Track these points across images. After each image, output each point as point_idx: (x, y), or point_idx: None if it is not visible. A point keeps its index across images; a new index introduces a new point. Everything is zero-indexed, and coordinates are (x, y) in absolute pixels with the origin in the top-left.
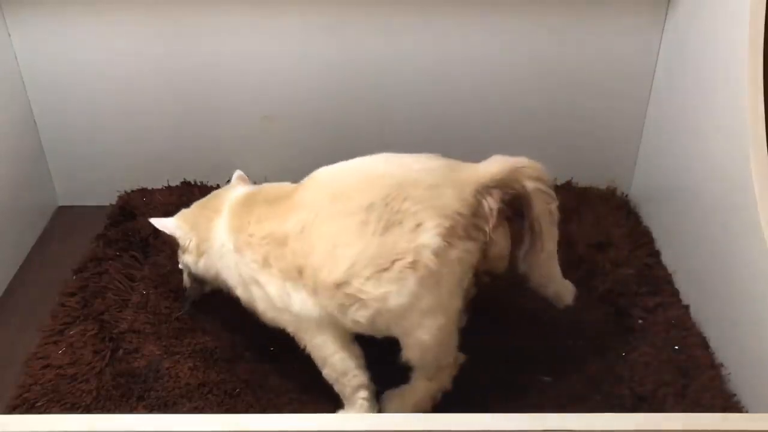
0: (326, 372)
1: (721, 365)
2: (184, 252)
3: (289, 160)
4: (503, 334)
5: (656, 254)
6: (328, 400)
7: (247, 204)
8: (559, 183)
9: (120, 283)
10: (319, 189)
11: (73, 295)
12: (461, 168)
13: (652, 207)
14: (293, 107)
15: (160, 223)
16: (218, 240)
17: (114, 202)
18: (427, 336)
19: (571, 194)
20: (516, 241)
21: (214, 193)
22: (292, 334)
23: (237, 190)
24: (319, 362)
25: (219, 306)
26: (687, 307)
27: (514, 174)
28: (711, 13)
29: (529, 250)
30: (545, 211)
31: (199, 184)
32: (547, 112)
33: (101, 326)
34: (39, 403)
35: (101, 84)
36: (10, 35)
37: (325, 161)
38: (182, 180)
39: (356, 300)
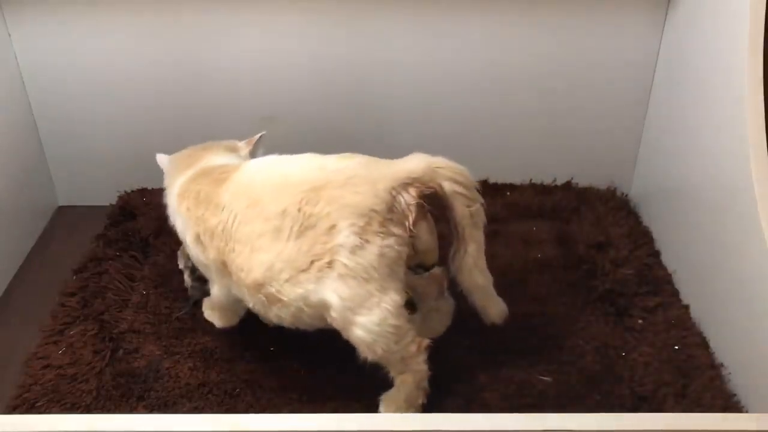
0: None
1: (721, 365)
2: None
3: None
4: (503, 334)
5: (656, 254)
6: (328, 400)
7: (202, 176)
8: (559, 183)
9: (120, 283)
10: (240, 192)
11: (73, 295)
12: (377, 165)
13: (652, 207)
14: (293, 108)
15: (160, 158)
16: (172, 196)
17: (114, 202)
18: (364, 333)
19: (571, 194)
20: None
21: (206, 145)
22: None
23: (217, 156)
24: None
25: None
26: (687, 307)
27: (430, 173)
28: (711, 13)
29: (455, 252)
30: (465, 214)
31: None
32: (547, 112)
33: (101, 326)
34: (39, 403)
35: (101, 84)
36: (10, 35)
37: None
38: None
39: (277, 300)
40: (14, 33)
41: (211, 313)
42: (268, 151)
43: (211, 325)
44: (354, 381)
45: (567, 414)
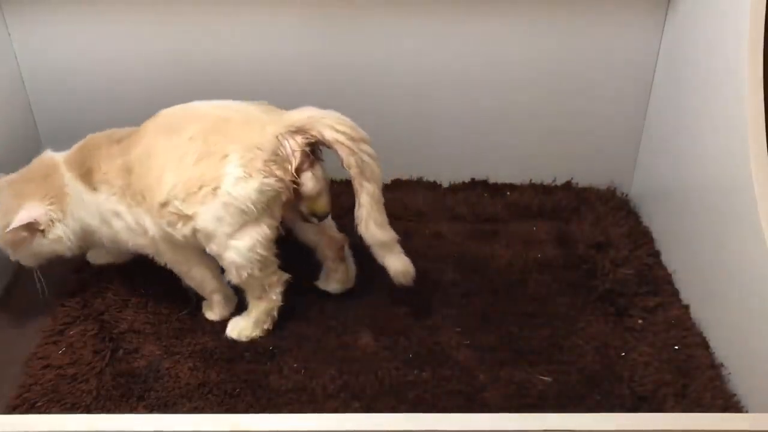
0: (186, 281)
1: (721, 365)
2: (46, 237)
3: None
4: (503, 333)
5: (656, 254)
6: (328, 400)
7: (89, 150)
8: (559, 183)
9: (120, 283)
10: (158, 125)
11: (73, 295)
12: (274, 113)
13: (652, 207)
14: (292, 107)
15: (17, 221)
16: (74, 193)
17: None
18: (235, 256)
19: (571, 194)
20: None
21: (20, 174)
22: (152, 256)
23: (51, 155)
24: (180, 275)
25: None
26: (687, 307)
27: (312, 122)
28: (711, 13)
29: (357, 208)
30: (351, 163)
31: None
32: (547, 112)
33: (101, 326)
34: (39, 403)
35: (101, 84)
36: (10, 35)
37: (323, 160)
38: None
39: (179, 218)
40: (14, 33)
41: (210, 312)
42: None
43: (212, 325)
44: (354, 381)
45: (567, 414)
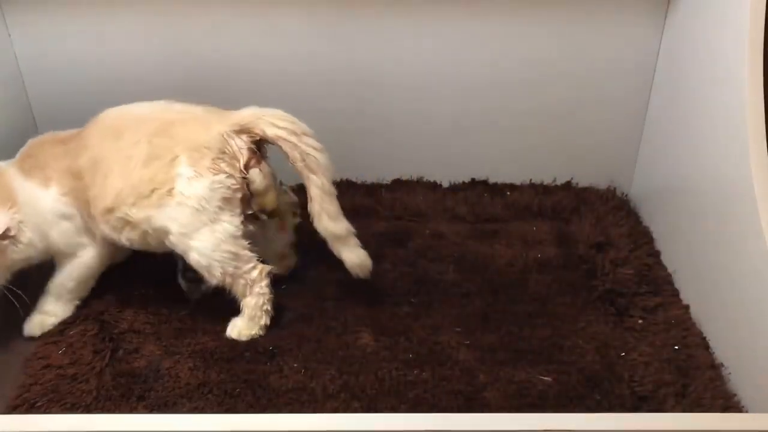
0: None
1: (721, 365)
2: (20, 242)
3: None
4: (503, 333)
5: (656, 254)
6: (328, 400)
7: (34, 153)
8: (559, 183)
9: (120, 283)
10: (103, 130)
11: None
12: (218, 113)
13: (652, 207)
14: (293, 107)
15: None
16: (26, 196)
17: None
18: (199, 258)
19: (571, 194)
20: None
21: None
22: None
23: None
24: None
25: (219, 306)
26: (687, 307)
27: (255, 120)
28: (711, 13)
29: (309, 203)
30: (295, 157)
31: None
32: (547, 113)
33: (101, 326)
34: (39, 403)
35: (101, 84)
36: (10, 35)
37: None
38: None
39: (126, 223)
40: (14, 33)
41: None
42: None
43: (212, 325)
44: (354, 381)
45: (567, 414)
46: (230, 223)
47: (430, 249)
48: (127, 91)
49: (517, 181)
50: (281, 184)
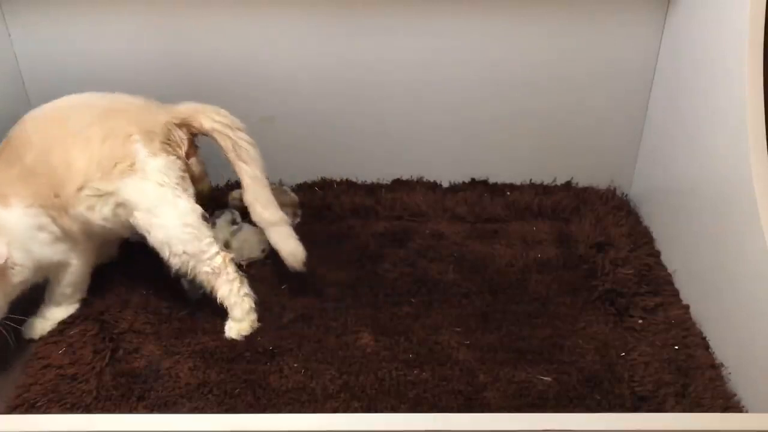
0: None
1: (721, 365)
2: (16, 264)
3: (289, 160)
4: (503, 333)
5: (656, 254)
6: (328, 400)
7: None
8: (559, 183)
9: (120, 283)
10: (41, 124)
11: None
12: (159, 106)
13: (652, 207)
14: (293, 107)
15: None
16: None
17: None
18: (163, 233)
19: (571, 194)
20: None
21: None
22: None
23: None
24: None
25: (219, 306)
26: (687, 307)
27: (194, 113)
28: (711, 13)
29: (243, 192)
30: (228, 147)
31: None
32: (547, 113)
33: (101, 326)
34: (39, 403)
35: (101, 84)
36: (10, 35)
37: (324, 161)
38: None
39: (98, 198)
40: (14, 33)
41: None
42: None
43: (212, 325)
44: (354, 381)
45: (567, 414)
46: (188, 202)
47: (430, 249)
48: (127, 90)
49: (517, 181)
50: (281, 184)
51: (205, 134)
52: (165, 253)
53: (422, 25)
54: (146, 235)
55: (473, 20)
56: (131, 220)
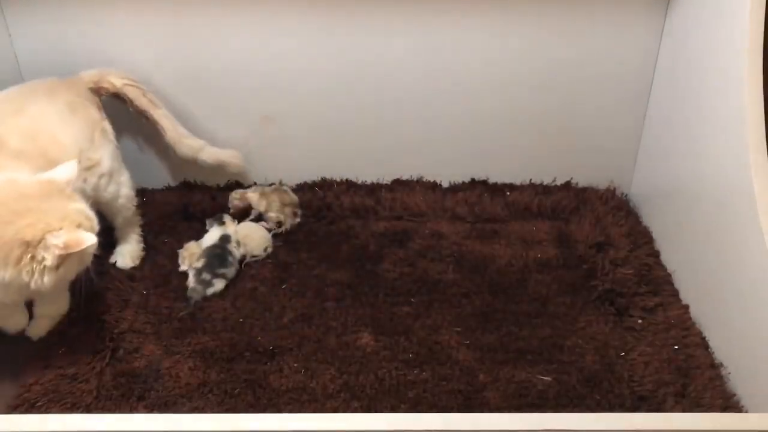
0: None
1: (721, 365)
2: None
3: (289, 160)
4: (503, 333)
5: (656, 254)
6: (328, 400)
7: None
8: (559, 183)
9: (120, 283)
10: None
11: (73, 295)
12: (63, 80)
13: (652, 207)
14: (293, 107)
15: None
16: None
17: None
18: (128, 191)
19: (571, 194)
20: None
21: None
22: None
23: None
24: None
25: (219, 306)
26: (687, 307)
27: (103, 75)
28: (711, 13)
29: (164, 135)
30: (140, 97)
31: (199, 184)
32: (547, 112)
33: (101, 326)
34: (39, 403)
35: None
36: (10, 35)
37: (324, 161)
38: (182, 180)
39: (92, 166)
40: (14, 33)
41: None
42: (268, 151)
43: (211, 324)
44: (354, 381)
45: (567, 414)
46: (119, 167)
47: (430, 249)
48: None
49: (517, 181)
50: (281, 184)
51: (116, 93)
52: (124, 211)
53: (422, 26)
54: (112, 200)
55: (473, 20)
56: (104, 192)
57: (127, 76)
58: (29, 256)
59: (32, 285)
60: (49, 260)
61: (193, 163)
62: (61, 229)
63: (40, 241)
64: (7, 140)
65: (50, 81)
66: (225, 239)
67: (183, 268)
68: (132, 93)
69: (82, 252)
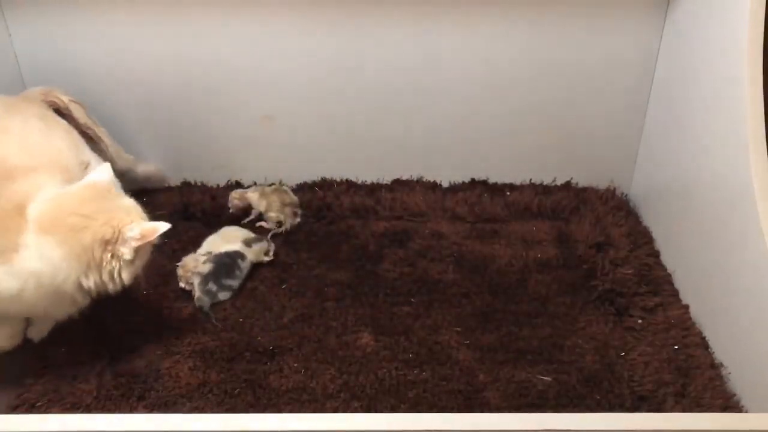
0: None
1: (721, 365)
2: None
3: (289, 160)
4: (503, 333)
5: (656, 254)
6: (328, 400)
7: None
8: (559, 183)
9: None
10: None
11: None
12: (23, 95)
13: (652, 207)
14: (293, 107)
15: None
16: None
17: None
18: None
19: (571, 194)
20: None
21: None
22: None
23: None
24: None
25: (219, 306)
26: (687, 307)
27: (49, 93)
28: (711, 13)
29: (106, 154)
30: (83, 115)
31: (199, 184)
32: (547, 113)
33: (101, 326)
34: (39, 403)
35: (101, 85)
36: (10, 35)
37: (324, 161)
38: (182, 180)
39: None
40: (14, 33)
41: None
42: (269, 151)
43: (211, 324)
44: (354, 381)
45: (567, 414)
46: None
47: (430, 249)
48: (127, 91)
49: (517, 181)
50: (281, 184)
51: (61, 109)
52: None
53: (422, 26)
54: None
55: (473, 20)
56: None
57: (66, 92)
58: (109, 255)
59: (110, 286)
60: (128, 254)
61: (193, 162)
62: (132, 222)
63: (118, 237)
64: (10, 159)
65: (3, 97)
66: (239, 255)
67: (182, 285)
68: (75, 110)
69: (148, 243)
